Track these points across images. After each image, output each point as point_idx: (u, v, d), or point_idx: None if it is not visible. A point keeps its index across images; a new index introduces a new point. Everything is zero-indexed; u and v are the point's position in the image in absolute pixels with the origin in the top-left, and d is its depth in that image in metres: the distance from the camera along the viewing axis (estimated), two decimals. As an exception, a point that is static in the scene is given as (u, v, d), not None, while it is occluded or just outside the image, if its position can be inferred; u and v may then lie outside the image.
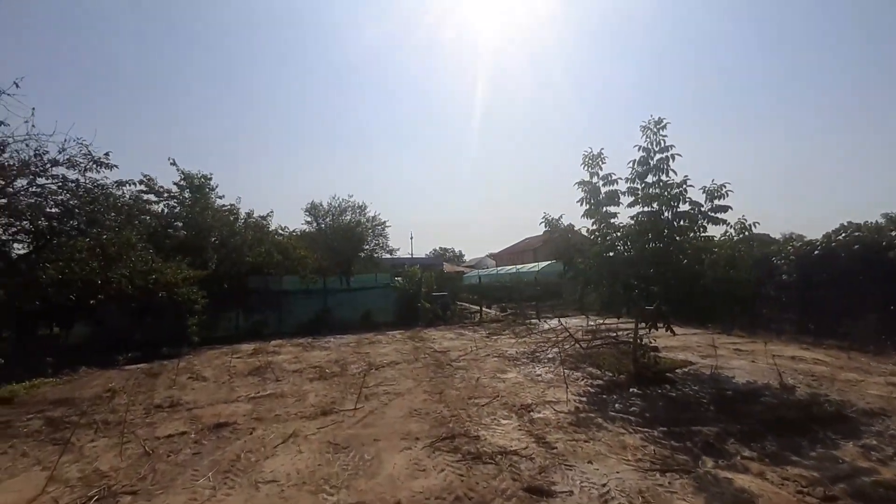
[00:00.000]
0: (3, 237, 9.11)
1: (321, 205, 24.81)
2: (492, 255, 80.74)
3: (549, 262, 28.34)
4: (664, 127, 8.02)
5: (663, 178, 8.10)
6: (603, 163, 8.42)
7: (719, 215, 7.69)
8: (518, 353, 10.25)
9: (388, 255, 27.52)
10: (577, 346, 10.11)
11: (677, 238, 7.57)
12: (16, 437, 5.43)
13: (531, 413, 5.79)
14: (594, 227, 8.69)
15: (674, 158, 7.94)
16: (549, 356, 9.75)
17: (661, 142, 8.03)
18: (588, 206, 8.71)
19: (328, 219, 24.70)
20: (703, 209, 7.78)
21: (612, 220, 8.37)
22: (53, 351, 11.02)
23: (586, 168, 8.70)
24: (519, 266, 28.42)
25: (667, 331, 7.75)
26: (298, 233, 24.21)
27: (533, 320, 17.19)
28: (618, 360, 8.70)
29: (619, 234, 8.13)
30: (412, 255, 48.56)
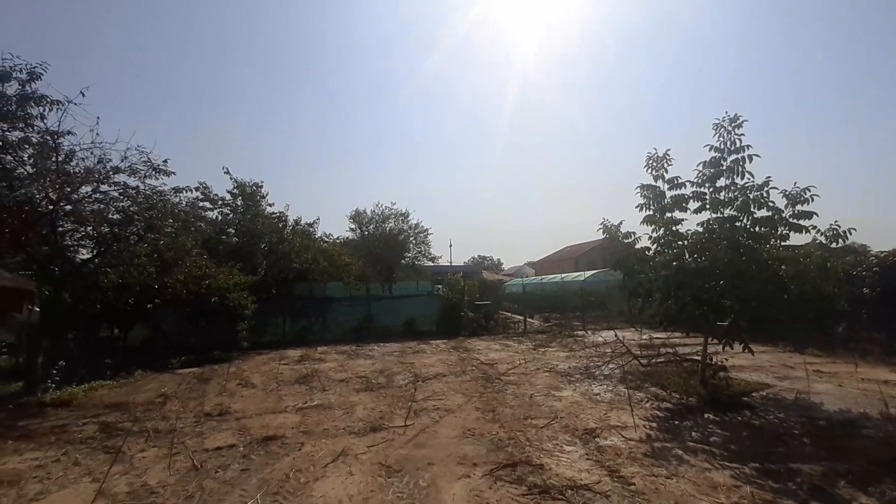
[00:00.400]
0: (69, 242, 9.49)
1: (365, 212, 25.12)
2: (531, 264, 79.45)
3: (595, 271, 27.30)
4: (740, 125, 7.35)
5: (738, 180, 7.42)
6: (669, 165, 7.81)
7: (802, 222, 6.91)
8: (570, 369, 9.67)
9: (430, 263, 27.44)
10: (636, 362, 9.41)
11: (756, 247, 6.84)
12: (70, 443, 5.47)
13: (597, 439, 5.27)
14: (657, 234, 8.07)
15: (750, 159, 7.25)
16: (605, 373, 9.12)
17: (737, 141, 7.36)
18: (651, 212, 8.10)
19: (371, 226, 24.89)
20: (783, 215, 7.02)
21: (677, 228, 7.73)
22: (113, 353, 11.46)
23: (650, 171, 8.12)
24: (564, 275, 27.52)
25: (744, 350, 7.00)
26: (342, 240, 24.53)
27: (580, 332, 16.44)
28: (684, 381, 7.97)
29: (687, 242, 7.46)
30: (451, 262, 48.33)
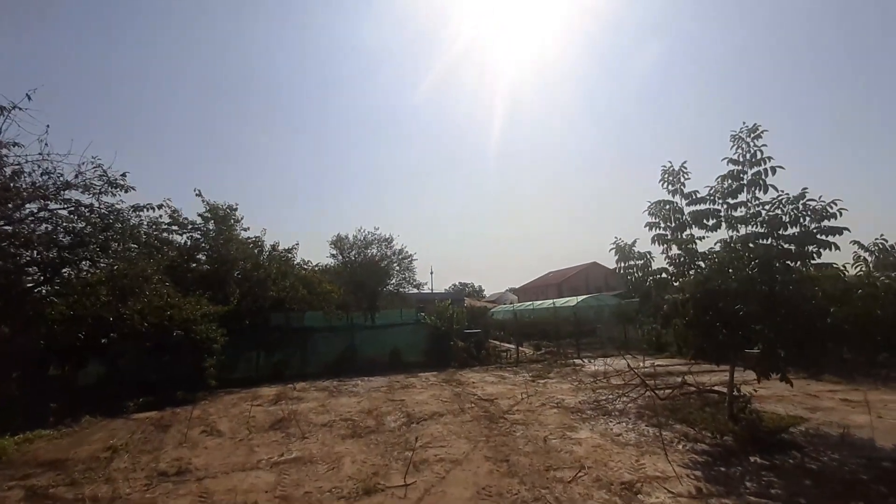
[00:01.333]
0: (9, 266, 8.24)
1: (346, 237, 24.09)
2: (513, 290, 78.91)
3: (585, 296, 26.75)
4: (759, 135, 6.85)
5: (760, 195, 6.87)
6: (686, 178, 7.25)
7: (830, 238, 6.35)
8: (579, 403, 8.78)
9: (414, 290, 26.40)
10: (651, 394, 8.60)
11: (790, 266, 6.21)
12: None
13: (639, 496, 4.37)
14: (672, 252, 7.44)
15: (773, 172, 6.71)
16: (619, 407, 8.25)
17: (757, 153, 6.85)
18: (663, 231, 7.49)
19: (353, 252, 23.87)
20: (811, 230, 6.46)
21: (694, 246, 7.10)
22: (62, 394, 10.01)
23: (665, 185, 7.55)
24: (555, 300, 26.83)
25: (783, 381, 6.26)
26: (322, 267, 23.38)
27: (576, 360, 15.61)
28: (711, 416, 7.18)
29: (712, 261, 6.79)
30: (432, 290, 47.18)
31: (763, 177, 6.76)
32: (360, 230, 23.75)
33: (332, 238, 23.96)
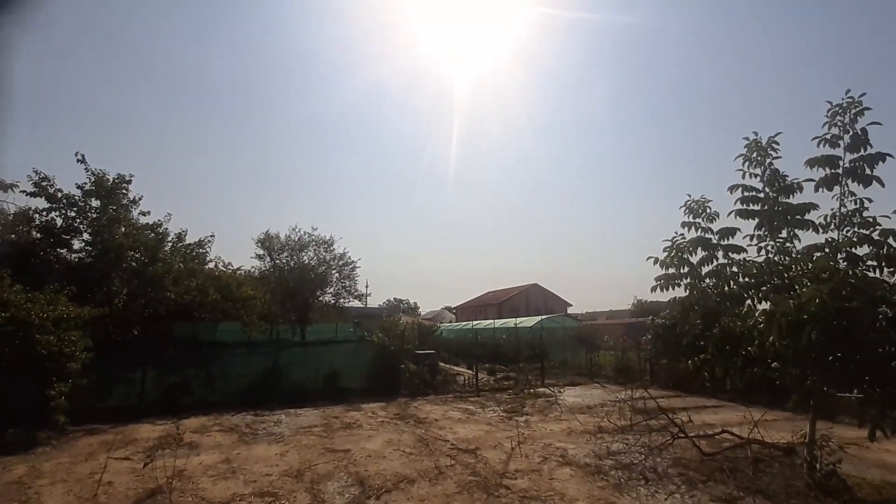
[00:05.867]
0: None
1: (277, 237, 20.49)
2: (450, 309, 77.00)
3: (541, 317, 25.20)
4: (862, 112, 5.20)
5: (856, 188, 5.22)
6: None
7: None
8: (589, 455, 6.56)
9: (356, 302, 23.22)
10: (675, 440, 6.59)
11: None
12: None
13: None
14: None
15: (883, 160, 5.08)
16: (649, 464, 6.12)
17: (859, 133, 5.20)
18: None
19: (284, 254, 20.37)
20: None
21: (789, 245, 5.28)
22: None
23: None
24: (519, 320, 24.95)
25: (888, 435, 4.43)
26: (246, 272, 19.66)
27: (542, 389, 13.55)
28: (784, 481, 5.27)
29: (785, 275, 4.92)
30: (366, 304, 43.67)
31: (865, 166, 5.12)
32: (294, 229, 20.37)
33: (259, 236, 20.33)
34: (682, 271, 5.59)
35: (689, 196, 6.31)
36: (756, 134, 5.41)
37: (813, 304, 4.11)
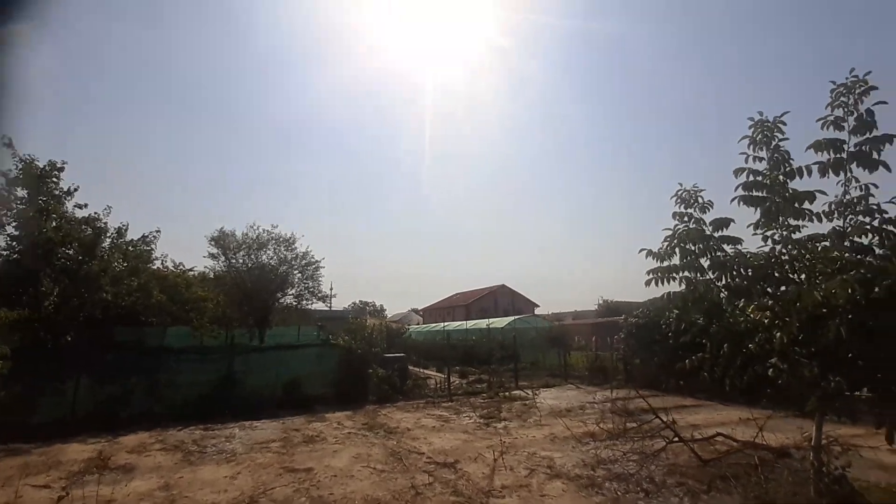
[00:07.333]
0: None
1: (233, 234, 19.06)
2: (417, 311, 76.11)
3: (513, 317, 24.83)
4: (867, 91, 4.91)
5: (861, 173, 4.92)
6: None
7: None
8: (579, 466, 6.03)
9: (320, 305, 22.05)
10: (681, 447, 6.16)
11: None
12: None
13: None
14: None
15: (891, 142, 4.79)
16: (645, 475, 5.63)
17: (864, 115, 4.90)
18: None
19: (241, 253, 18.97)
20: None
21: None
22: None
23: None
24: (490, 321, 24.37)
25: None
26: (198, 272, 18.22)
27: (517, 392, 13.06)
28: (789, 487, 4.90)
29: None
30: (331, 307, 42.12)
31: (875, 149, 4.81)
32: (251, 226, 19.00)
33: (212, 233, 18.83)
34: (686, 261, 5.13)
35: (681, 185, 5.92)
36: (762, 113, 5.04)
37: (843, 295, 3.70)
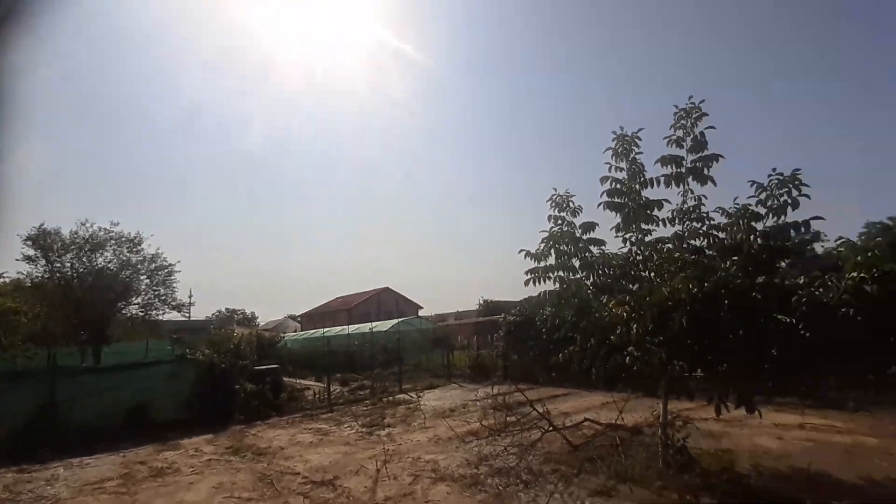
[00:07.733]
0: None
1: (58, 233, 15.59)
2: (294, 317, 71.67)
3: (396, 320, 24.59)
4: (700, 117, 5.74)
5: (695, 187, 5.76)
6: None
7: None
8: (462, 465, 6.06)
9: (174, 314, 19.08)
10: (555, 434, 6.54)
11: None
12: None
13: None
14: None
15: (716, 160, 5.67)
16: (524, 466, 5.86)
17: (699, 136, 5.73)
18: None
19: (69, 255, 15.62)
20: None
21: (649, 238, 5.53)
22: None
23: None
24: (373, 324, 23.53)
25: (749, 412, 4.89)
26: (8, 279, 14.60)
27: (401, 396, 12.91)
28: (643, 464, 5.49)
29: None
30: (190, 317, 37.47)
31: (705, 166, 5.66)
32: (83, 224, 15.69)
33: (28, 232, 15.11)
34: (560, 261, 5.47)
35: (555, 190, 6.35)
36: (622, 128, 5.63)
37: (684, 290, 4.24)
